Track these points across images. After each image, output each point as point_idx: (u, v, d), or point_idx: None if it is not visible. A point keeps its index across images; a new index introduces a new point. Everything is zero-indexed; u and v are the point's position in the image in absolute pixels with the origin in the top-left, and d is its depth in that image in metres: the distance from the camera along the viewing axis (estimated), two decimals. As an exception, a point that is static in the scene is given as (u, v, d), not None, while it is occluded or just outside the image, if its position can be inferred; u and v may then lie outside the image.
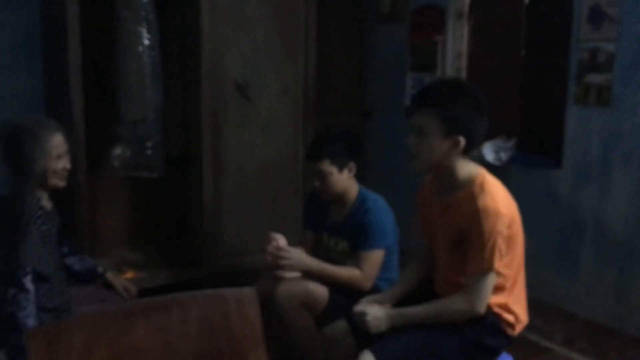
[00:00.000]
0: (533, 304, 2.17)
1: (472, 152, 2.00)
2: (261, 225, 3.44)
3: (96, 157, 3.17)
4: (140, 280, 3.05)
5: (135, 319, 1.36)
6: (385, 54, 4.17)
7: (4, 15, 3.26)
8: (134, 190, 3.60)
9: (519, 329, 2.05)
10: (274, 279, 2.49)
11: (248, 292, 1.46)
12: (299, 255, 2.52)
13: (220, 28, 3.30)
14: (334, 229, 2.67)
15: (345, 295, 2.44)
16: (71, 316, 2.16)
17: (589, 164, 3.00)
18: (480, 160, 2.92)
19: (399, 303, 2.12)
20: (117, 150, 3.16)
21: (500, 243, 1.88)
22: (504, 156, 3.34)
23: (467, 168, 1.99)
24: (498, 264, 1.89)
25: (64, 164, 2.25)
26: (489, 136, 2.64)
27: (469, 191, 1.94)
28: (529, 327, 2.18)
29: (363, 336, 2.07)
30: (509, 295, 2.00)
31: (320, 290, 2.49)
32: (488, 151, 3.35)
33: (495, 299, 1.96)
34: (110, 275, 2.57)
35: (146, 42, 3.09)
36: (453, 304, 1.96)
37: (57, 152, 2.21)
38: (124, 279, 2.76)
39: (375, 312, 2.04)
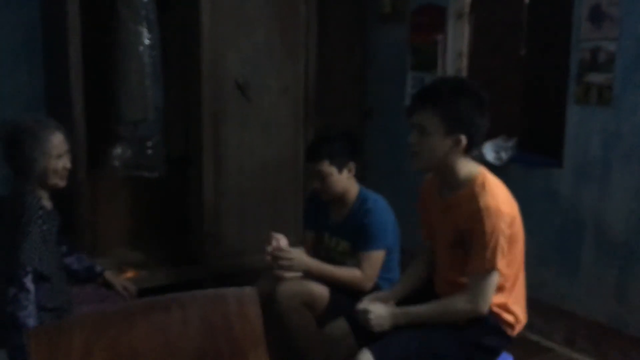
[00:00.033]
0: (533, 304, 2.17)
1: (473, 150, 2.00)
2: (261, 225, 3.44)
3: (96, 156, 3.17)
4: (140, 280, 3.05)
5: (135, 319, 1.36)
6: (385, 54, 4.16)
7: (4, 15, 3.26)
8: (134, 190, 3.60)
9: (518, 329, 2.05)
10: (275, 279, 2.49)
11: (248, 292, 1.46)
12: (299, 256, 2.52)
13: (220, 28, 3.30)
14: (334, 229, 2.66)
15: (346, 295, 2.44)
16: (71, 316, 2.16)
17: (589, 163, 2.99)
18: (480, 160, 2.92)
19: (401, 302, 2.12)
20: (118, 150, 3.16)
21: (502, 242, 1.87)
22: (504, 156, 3.33)
23: (468, 167, 1.98)
24: (500, 263, 1.88)
25: (64, 163, 2.25)
26: (490, 136, 2.64)
27: (470, 190, 1.93)
28: (530, 327, 2.18)
29: (363, 335, 2.06)
30: (508, 295, 1.99)
31: (321, 290, 2.49)
32: (488, 151, 3.34)
33: (495, 299, 1.96)
34: (108, 274, 2.56)
35: (146, 41, 3.09)
36: (456, 304, 1.95)
37: (57, 151, 2.21)
38: (123, 279, 2.76)
39: (378, 311, 2.03)
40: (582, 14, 2.95)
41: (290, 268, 2.49)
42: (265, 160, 3.56)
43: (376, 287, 2.50)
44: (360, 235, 2.52)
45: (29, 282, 2.05)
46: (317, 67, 3.67)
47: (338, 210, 2.66)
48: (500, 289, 1.96)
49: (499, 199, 1.91)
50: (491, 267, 1.88)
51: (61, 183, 2.26)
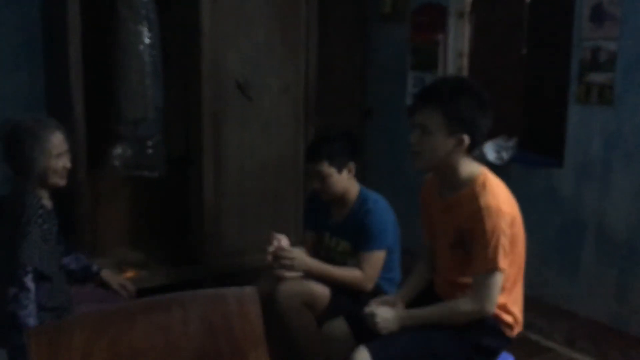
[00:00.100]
0: (534, 304, 2.16)
1: (475, 150, 1.99)
2: (261, 225, 3.44)
3: (97, 156, 3.16)
4: (140, 280, 3.05)
5: (135, 319, 1.35)
6: (386, 53, 4.16)
7: (4, 15, 3.26)
8: (135, 190, 3.60)
9: (517, 330, 2.04)
10: (275, 279, 2.49)
11: (249, 292, 1.46)
12: (300, 256, 2.52)
13: (220, 27, 3.30)
14: (334, 229, 2.66)
15: (347, 294, 2.44)
16: (72, 315, 2.16)
17: (590, 163, 2.99)
18: (481, 160, 2.92)
19: (408, 305, 2.12)
20: (118, 150, 3.16)
21: (504, 241, 1.86)
22: (505, 155, 3.33)
23: (469, 167, 1.97)
24: (503, 262, 1.87)
25: (64, 163, 2.24)
26: (490, 135, 2.63)
27: (471, 190, 1.93)
28: (530, 327, 2.18)
29: (363, 335, 2.06)
30: (508, 296, 1.98)
31: (322, 290, 2.49)
32: (489, 150, 3.34)
33: (495, 300, 1.95)
34: (105, 274, 2.53)
35: (147, 41, 3.09)
36: (462, 305, 1.94)
37: (57, 151, 2.21)
38: (122, 278, 2.75)
39: (384, 314, 2.02)
40: (583, 14, 2.95)
41: (291, 268, 2.49)
42: (265, 160, 3.56)
43: (377, 287, 2.50)
44: (361, 236, 2.51)
45: (29, 281, 2.05)
46: (317, 66, 3.66)
47: (338, 211, 2.65)
48: (500, 289, 1.95)
49: (500, 198, 1.90)
50: (493, 267, 1.87)
51: (61, 182, 2.25)
